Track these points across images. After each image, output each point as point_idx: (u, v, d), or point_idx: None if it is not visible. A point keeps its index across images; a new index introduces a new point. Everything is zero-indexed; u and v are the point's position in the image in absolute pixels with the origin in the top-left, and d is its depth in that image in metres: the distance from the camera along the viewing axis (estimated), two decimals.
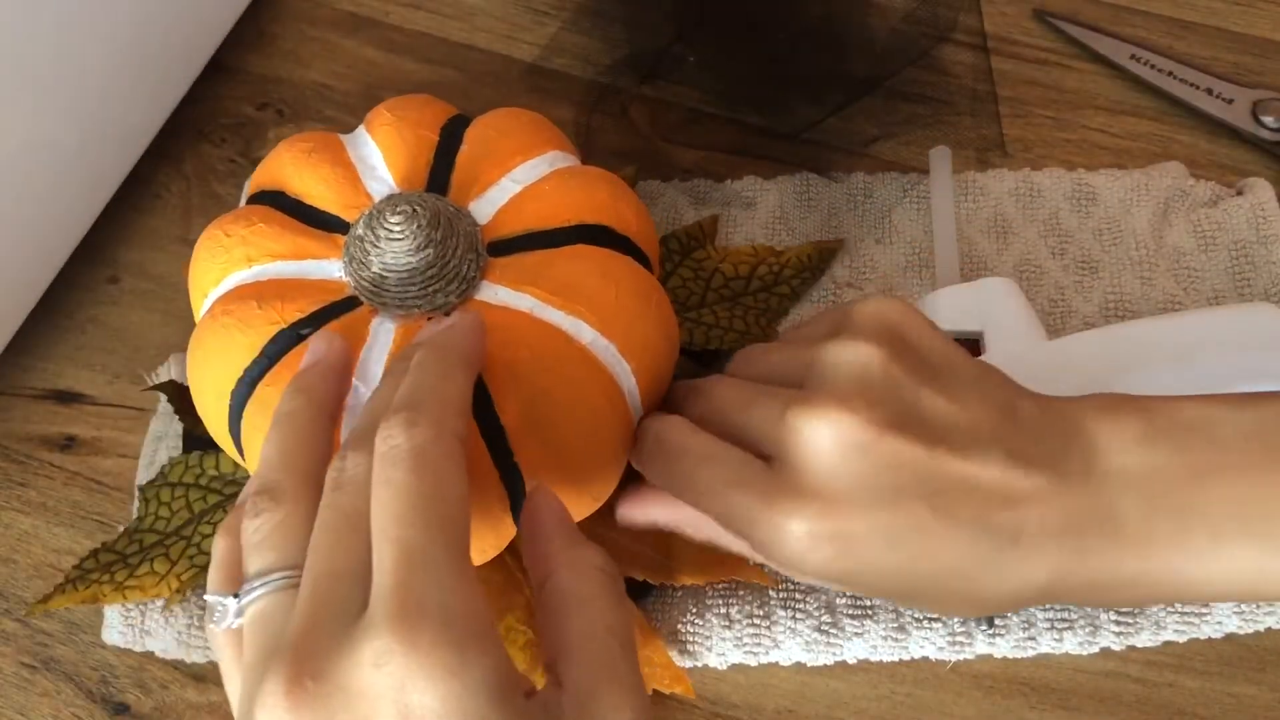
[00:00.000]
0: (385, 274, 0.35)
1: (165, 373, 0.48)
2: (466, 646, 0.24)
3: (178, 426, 0.46)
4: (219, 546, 0.32)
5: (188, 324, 0.50)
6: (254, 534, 0.29)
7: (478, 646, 0.25)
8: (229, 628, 0.30)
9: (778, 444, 0.32)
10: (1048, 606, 0.41)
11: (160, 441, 0.47)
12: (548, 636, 0.28)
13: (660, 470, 0.35)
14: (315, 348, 0.34)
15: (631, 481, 0.38)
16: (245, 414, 0.35)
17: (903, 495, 0.31)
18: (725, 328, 0.46)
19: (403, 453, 0.27)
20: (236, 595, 0.29)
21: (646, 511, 0.38)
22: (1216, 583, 0.31)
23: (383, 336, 0.35)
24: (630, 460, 0.38)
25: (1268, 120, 0.51)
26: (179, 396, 0.46)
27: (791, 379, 0.34)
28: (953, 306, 0.44)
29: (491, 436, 0.34)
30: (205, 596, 0.31)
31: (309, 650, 0.25)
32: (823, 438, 0.31)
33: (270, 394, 0.34)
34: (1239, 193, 0.49)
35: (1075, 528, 0.31)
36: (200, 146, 0.56)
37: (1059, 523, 0.31)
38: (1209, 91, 0.52)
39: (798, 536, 0.31)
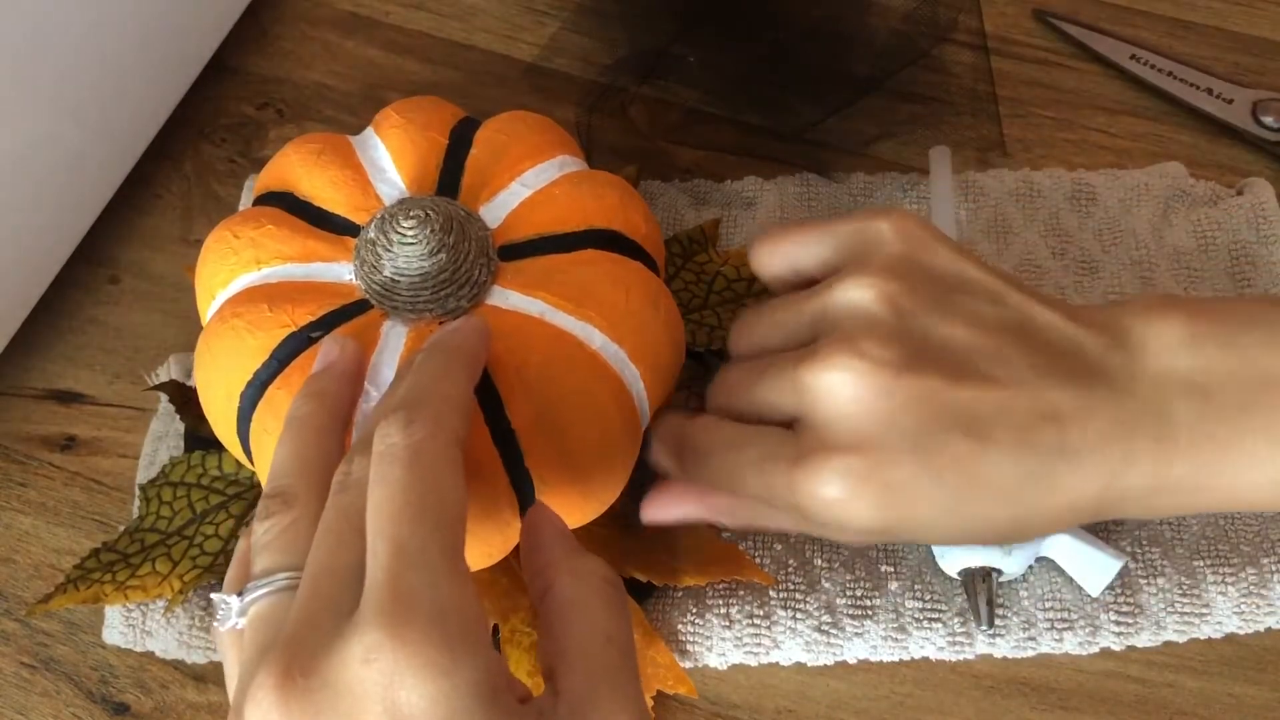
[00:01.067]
0: (397, 278, 0.35)
1: (165, 373, 0.48)
2: (456, 645, 0.24)
3: (178, 426, 0.46)
4: (240, 548, 0.32)
5: (188, 324, 0.50)
6: (263, 535, 0.29)
7: (468, 646, 0.24)
8: (232, 627, 0.30)
9: (797, 407, 0.32)
10: (1048, 606, 0.41)
11: (161, 441, 0.47)
12: (546, 644, 0.28)
13: (690, 467, 0.35)
14: (328, 351, 0.34)
15: (650, 481, 0.38)
16: (255, 416, 0.35)
17: (935, 430, 0.30)
18: (727, 329, 0.46)
19: (399, 451, 0.27)
20: (240, 594, 0.29)
21: (675, 509, 0.37)
22: (1272, 488, 0.30)
23: (394, 341, 0.35)
24: (651, 461, 0.37)
25: (1268, 120, 0.51)
26: (180, 396, 0.46)
27: (798, 336, 0.33)
28: None
29: (502, 440, 0.34)
30: (211, 595, 0.31)
31: (301, 646, 0.25)
32: (840, 389, 0.31)
33: (280, 397, 0.34)
34: (1239, 193, 0.49)
35: (1123, 433, 0.30)
36: (200, 146, 0.56)
37: (1104, 430, 0.30)
38: (1209, 91, 0.52)
39: (836, 495, 0.31)
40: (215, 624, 0.30)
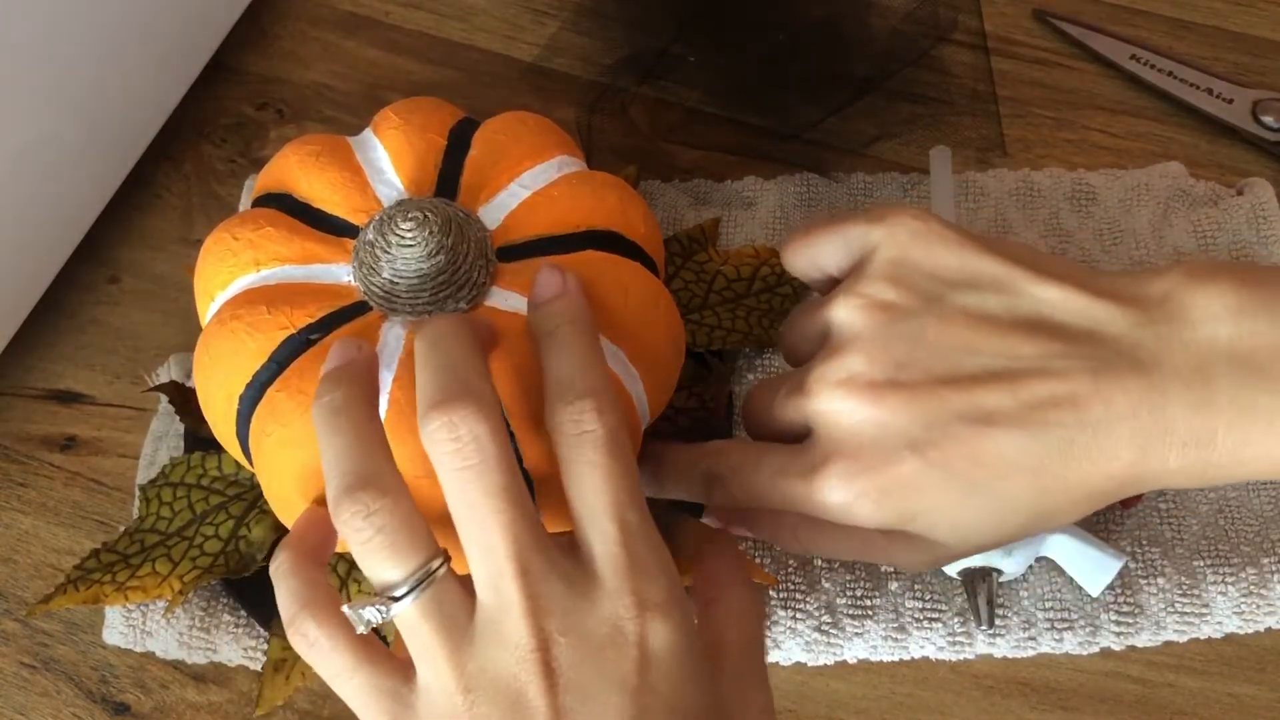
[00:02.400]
0: (396, 280, 0.35)
1: (165, 373, 0.48)
2: (679, 595, 0.30)
3: (178, 426, 0.46)
4: (291, 584, 0.31)
5: (188, 324, 0.50)
6: (378, 534, 0.29)
7: (682, 594, 0.30)
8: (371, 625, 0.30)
9: (807, 422, 0.34)
10: (1048, 606, 0.41)
11: (161, 441, 0.47)
12: (705, 637, 0.32)
13: (718, 496, 0.37)
14: (344, 351, 0.33)
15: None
16: (254, 418, 0.35)
17: (933, 425, 0.31)
18: (727, 329, 0.46)
19: (600, 439, 0.30)
20: (391, 600, 0.29)
21: (743, 530, 0.40)
22: None
23: (393, 342, 0.35)
24: (684, 495, 0.38)
25: (1268, 120, 0.51)
26: (180, 397, 0.46)
27: (816, 345, 0.35)
28: None
29: None
30: (348, 610, 0.30)
31: (546, 613, 0.29)
32: (834, 403, 0.32)
33: (279, 399, 0.34)
34: (1239, 193, 0.49)
35: (1157, 402, 0.30)
36: (200, 146, 0.56)
37: (1134, 400, 0.30)
38: (1209, 91, 0.52)
39: (841, 499, 0.32)
40: (379, 624, 0.30)
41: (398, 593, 0.29)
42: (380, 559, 0.29)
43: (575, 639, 0.29)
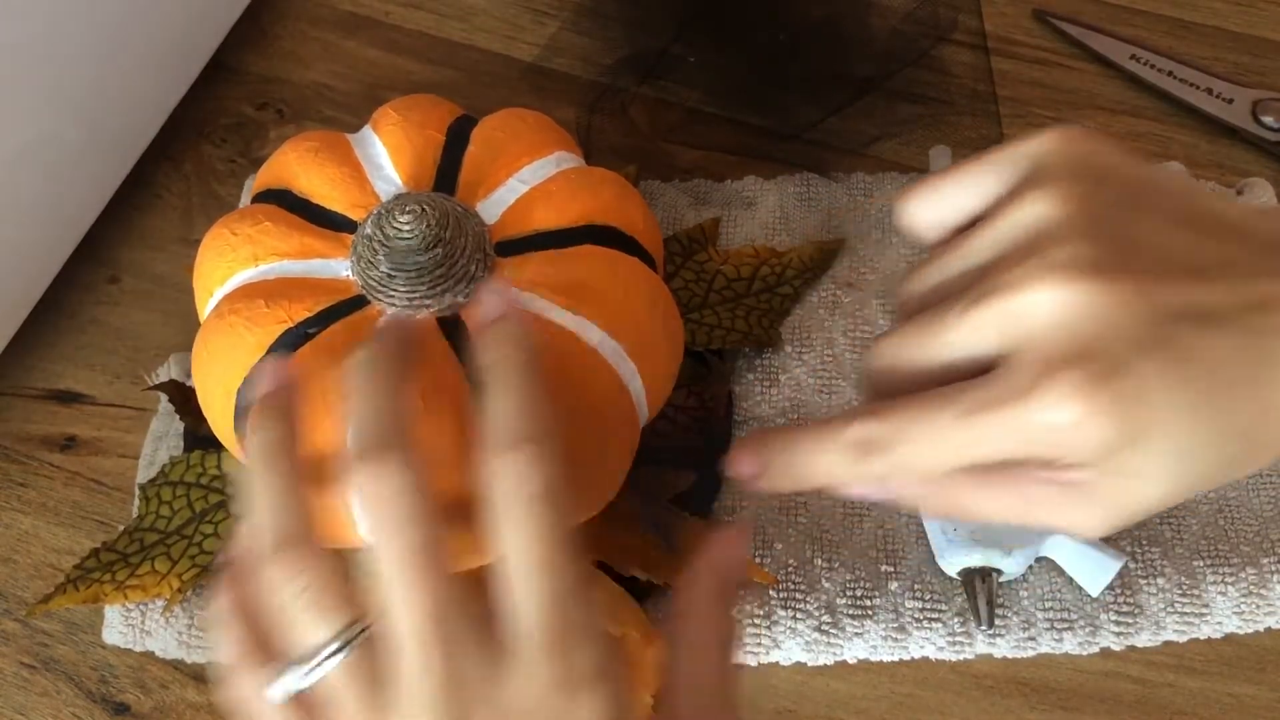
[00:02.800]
0: (394, 273, 0.35)
1: (165, 373, 0.48)
2: (611, 668, 0.28)
3: (178, 426, 0.46)
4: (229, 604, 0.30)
5: (188, 324, 0.50)
6: (307, 590, 0.28)
7: (616, 668, 0.28)
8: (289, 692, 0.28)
9: (997, 342, 0.28)
10: (1048, 606, 0.41)
11: (161, 441, 0.47)
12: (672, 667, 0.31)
13: (881, 465, 0.30)
14: (272, 376, 0.32)
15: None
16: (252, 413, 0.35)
17: (1160, 324, 0.27)
18: (727, 328, 0.46)
19: (535, 493, 0.28)
20: (305, 664, 0.28)
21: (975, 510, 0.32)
22: None
23: None
24: (822, 478, 0.32)
25: (1268, 120, 0.51)
26: (180, 396, 0.46)
27: (975, 275, 0.29)
28: None
29: None
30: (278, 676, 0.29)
31: (463, 686, 0.27)
32: (1047, 303, 0.27)
33: None
34: (1239, 193, 0.49)
35: None
36: (200, 146, 0.56)
37: None
38: (1209, 91, 0.52)
39: (1069, 418, 0.27)
40: (298, 690, 0.29)
41: (326, 652, 0.28)
42: (310, 616, 0.28)
43: (493, 713, 0.27)
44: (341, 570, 0.28)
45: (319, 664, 0.28)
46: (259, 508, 0.29)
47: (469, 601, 0.28)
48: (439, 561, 0.28)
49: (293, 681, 0.28)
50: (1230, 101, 0.52)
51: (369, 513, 0.28)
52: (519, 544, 0.28)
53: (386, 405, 0.29)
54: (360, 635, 0.28)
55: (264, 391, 0.32)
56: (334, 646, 0.28)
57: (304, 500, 0.29)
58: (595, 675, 0.27)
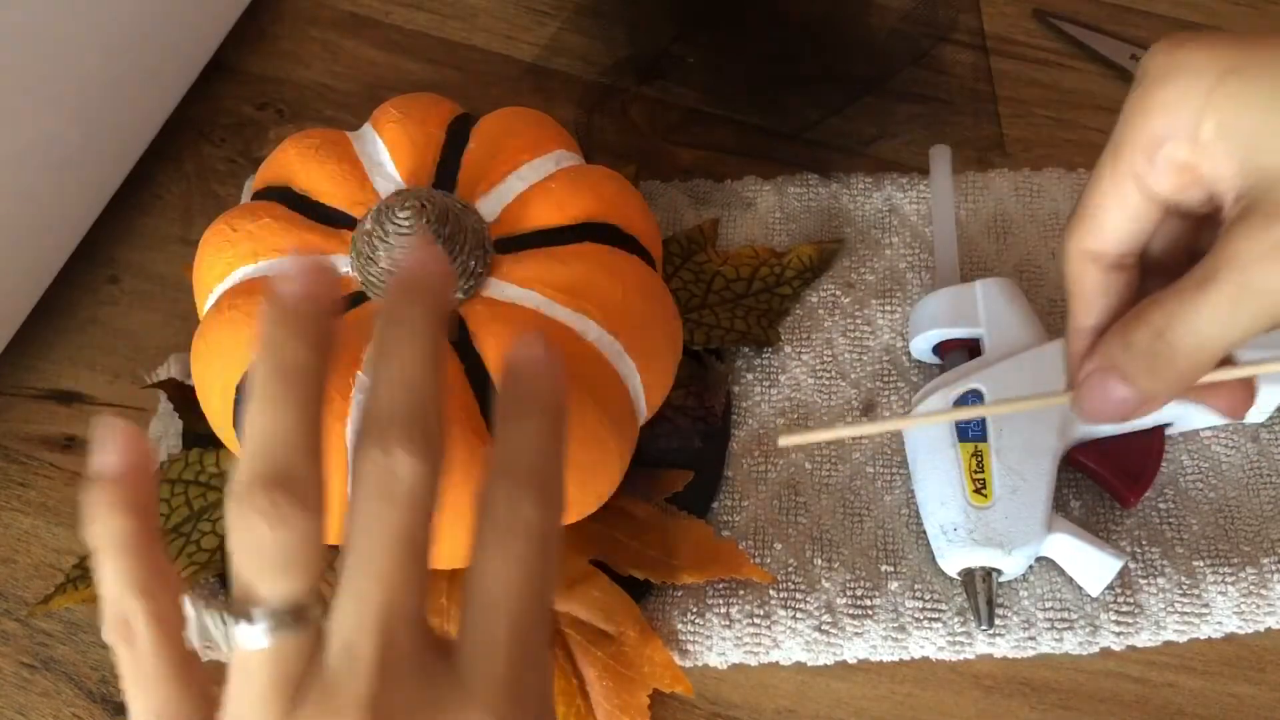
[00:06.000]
0: (394, 269, 0.35)
1: (165, 373, 0.48)
2: None
3: (178, 426, 0.46)
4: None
5: (188, 324, 0.50)
6: (274, 542, 0.24)
7: None
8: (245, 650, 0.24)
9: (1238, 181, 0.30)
10: (1048, 606, 0.41)
11: (160, 442, 0.47)
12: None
13: (1163, 371, 0.30)
14: (310, 273, 0.26)
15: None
16: None
17: None
18: (726, 328, 0.46)
19: (534, 531, 0.25)
20: (241, 617, 0.24)
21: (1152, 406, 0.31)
22: None
23: None
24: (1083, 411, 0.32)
25: None
26: (179, 394, 0.46)
27: None
28: (952, 307, 0.44)
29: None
30: (205, 619, 0.25)
31: (390, 708, 0.24)
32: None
33: None
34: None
35: None
36: (200, 146, 0.56)
37: None
38: None
39: None
40: (215, 641, 0.25)
41: (257, 613, 0.24)
42: (261, 566, 0.24)
43: None
44: (322, 540, 0.24)
45: (251, 623, 0.24)
46: (255, 426, 0.24)
47: (424, 619, 0.25)
48: (417, 559, 0.25)
49: (212, 625, 0.24)
50: None
51: (368, 485, 0.24)
52: (498, 582, 0.25)
53: (422, 381, 0.25)
54: (310, 616, 0.24)
55: (294, 290, 0.25)
56: (279, 609, 0.24)
57: (314, 439, 0.25)
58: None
